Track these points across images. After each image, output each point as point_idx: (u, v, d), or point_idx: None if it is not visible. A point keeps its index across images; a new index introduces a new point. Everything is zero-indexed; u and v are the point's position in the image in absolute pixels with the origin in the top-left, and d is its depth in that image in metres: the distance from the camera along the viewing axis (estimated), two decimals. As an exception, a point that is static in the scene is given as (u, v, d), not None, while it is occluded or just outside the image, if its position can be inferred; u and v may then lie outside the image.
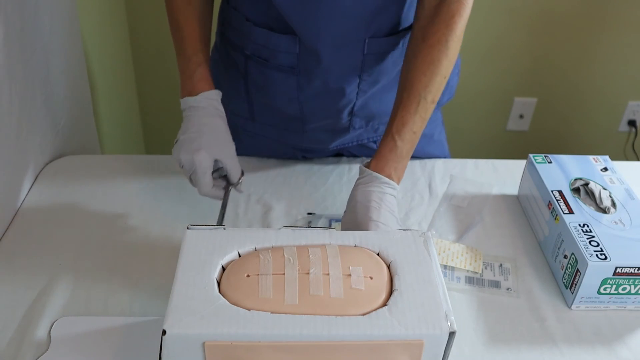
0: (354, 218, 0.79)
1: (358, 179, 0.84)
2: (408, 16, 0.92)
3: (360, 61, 0.92)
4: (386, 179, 0.82)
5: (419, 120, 0.84)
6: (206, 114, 0.87)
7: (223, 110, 0.91)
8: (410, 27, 0.93)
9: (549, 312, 0.80)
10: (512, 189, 1.03)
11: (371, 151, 1.08)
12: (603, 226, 0.82)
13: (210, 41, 0.97)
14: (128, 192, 0.99)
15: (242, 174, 0.92)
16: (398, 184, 0.84)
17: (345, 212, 0.83)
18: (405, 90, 0.85)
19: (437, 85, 0.85)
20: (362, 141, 1.06)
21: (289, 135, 1.04)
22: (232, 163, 0.88)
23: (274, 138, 1.05)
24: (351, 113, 0.99)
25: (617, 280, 0.78)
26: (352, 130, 1.02)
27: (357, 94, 0.96)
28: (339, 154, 1.10)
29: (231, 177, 0.89)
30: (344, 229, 0.80)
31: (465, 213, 0.96)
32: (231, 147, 0.89)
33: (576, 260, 0.79)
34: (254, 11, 0.92)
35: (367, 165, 0.84)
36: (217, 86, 1.01)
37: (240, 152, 0.93)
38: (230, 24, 0.97)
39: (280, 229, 0.71)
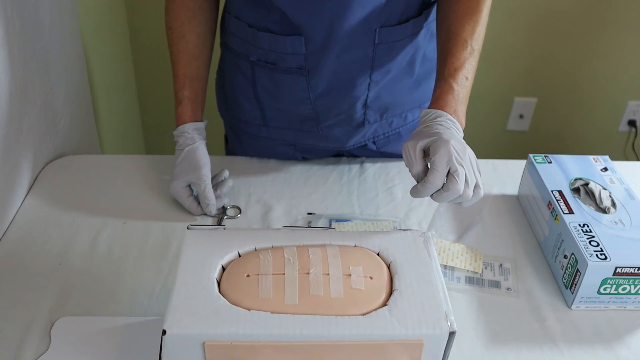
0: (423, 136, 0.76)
1: (422, 121, 0.81)
2: (415, 3, 0.92)
3: (371, 51, 0.92)
4: (451, 117, 0.79)
5: (470, 67, 0.83)
6: (182, 144, 0.95)
7: (200, 135, 0.96)
8: (418, 14, 0.94)
9: (549, 312, 0.80)
10: (512, 189, 1.03)
11: (371, 152, 1.08)
12: (603, 226, 0.82)
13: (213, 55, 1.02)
14: (128, 192, 0.99)
15: (225, 177, 0.99)
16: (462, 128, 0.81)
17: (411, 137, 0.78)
18: (450, 40, 0.84)
19: (480, 34, 0.85)
20: (378, 137, 1.06)
21: (304, 136, 1.04)
22: (201, 185, 0.91)
23: (289, 141, 1.05)
24: (365, 105, 0.99)
25: (617, 280, 0.78)
26: (367, 124, 1.02)
27: (369, 85, 0.96)
28: (339, 154, 1.10)
29: (200, 199, 0.93)
30: (411, 145, 0.76)
31: (465, 213, 0.96)
32: (199, 171, 0.92)
33: (576, 260, 0.79)
34: (256, 17, 0.92)
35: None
36: (226, 96, 1.04)
37: (254, 155, 1.08)
38: (233, 34, 0.97)
39: (280, 229, 0.71)
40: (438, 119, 0.79)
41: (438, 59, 0.87)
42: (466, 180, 0.72)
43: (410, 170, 0.75)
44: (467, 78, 0.83)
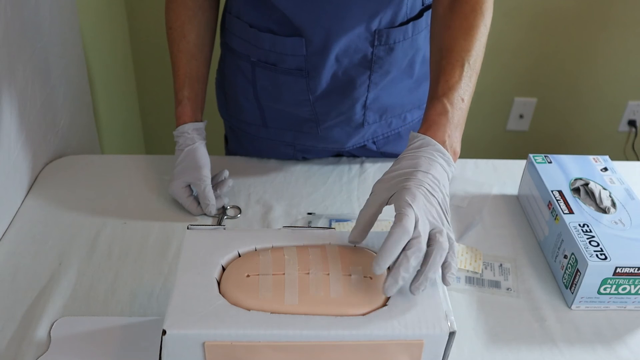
0: (394, 184, 0.68)
1: (407, 147, 0.72)
2: (415, 5, 0.92)
3: (370, 53, 0.92)
4: (440, 147, 0.71)
5: (465, 86, 0.75)
6: (182, 144, 0.95)
7: (199, 135, 0.96)
8: (418, 15, 0.94)
9: (549, 312, 0.80)
10: (512, 189, 1.03)
11: (371, 152, 1.08)
12: (603, 226, 0.82)
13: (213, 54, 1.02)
14: (128, 192, 0.99)
15: (225, 177, 0.98)
16: (454, 159, 0.73)
17: (382, 179, 0.70)
18: (444, 58, 0.77)
19: (477, 50, 0.77)
20: (377, 138, 1.06)
21: (304, 137, 1.04)
22: (200, 185, 0.91)
23: (289, 142, 1.05)
24: (364, 106, 0.98)
25: (617, 280, 0.78)
26: (366, 125, 1.01)
27: (368, 86, 0.96)
28: (339, 154, 1.10)
29: (200, 199, 0.93)
30: (376, 193, 0.69)
31: (465, 213, 0.96)
32: (199, 171, 0.92)
33: (576, 260, 0.79)
34: (258, 17, 0.92)
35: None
36: (226, 96, 1.04)
37: (254, 155, 1.07)
38: (234, 34, 0.97)
39: (280, 229, 0.71)
40: (423, 148, 0.71)
41: (431, 77, 0.79)
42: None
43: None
44: (462, 100, 0.75)
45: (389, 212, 0.96)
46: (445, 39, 0.79)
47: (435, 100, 0.75)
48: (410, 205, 0.63)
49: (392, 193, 0.67)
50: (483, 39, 0.80)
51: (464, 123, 0.76)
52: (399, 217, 0.62)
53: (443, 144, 0.72)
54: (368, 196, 0.71)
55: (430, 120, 0.74)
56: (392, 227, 0.62)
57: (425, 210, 0.64)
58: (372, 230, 0.89)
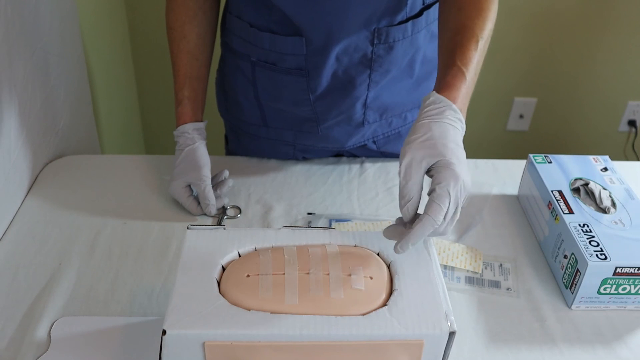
0: (430, 153, 0.68)
1: (427, 107, 0.72)
2: (415, 3, 0.92)
3: (370, 52, 0.92)
4: (460, 115, 0.72)
5: (478, 65, 0.77)
6: (182, 144, 0.95)
7: (200, 135, 0.96)
8: (418, 14, 0.93)
9: (549, 312, 0.80)
10: (512, 189, 1.03)
11: (371, 151, 1.08)
12: (603, 226, 0.82)
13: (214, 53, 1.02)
14: (128, 192, 0.99)
15: (225, 177, 0.99)
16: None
17: (410, 143, 0.70)
18: (459, 33, 0.78)
19: (489, 31, 0.79)
20: (377, 137, 1.06)
21: (304, 136, 1.04)
22: (200, 185, 0.91)
23: (289, 141, 1.05)
24: (365, 105, 0.98)
25: (617, 280, 0.78)
26: (366, 124, 1.01)
27: (368, 85, 0.96)
28: (339, 154, 1.10)
29: (200, 199, 0.93)
30: (414, 164, 0.67)
31: (465, 213, 0.96)
32: (199, 171, 0.92)
33: (576, 260, 0.79)
34: (258, 17, 0.92)
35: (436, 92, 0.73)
36: (227, 96, 1.04)
37: (254, 155, 1.08)
38: (234, 33, 0.97)
39: (280, 229, 0.71)
40: (446, 113, 0.71)
41: (444, 51, 0.80)
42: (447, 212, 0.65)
43: (404, 197, 0.66)
44: (475, 74, 0.76)
45: (389, 212, 0.96)
46: (459, 18, 0.81)
47: (455, 68, 0.75)
48: (455, 179, 0.65)
49: (432, 163, 0.68)
50: (494, 18, 0.81)
51: (469, 97, 0.77)
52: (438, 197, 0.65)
53: (462, 111, 0.73)
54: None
55: (450, 85, 0.74)
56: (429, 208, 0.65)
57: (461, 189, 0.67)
58: (371, 231, 0.89)
